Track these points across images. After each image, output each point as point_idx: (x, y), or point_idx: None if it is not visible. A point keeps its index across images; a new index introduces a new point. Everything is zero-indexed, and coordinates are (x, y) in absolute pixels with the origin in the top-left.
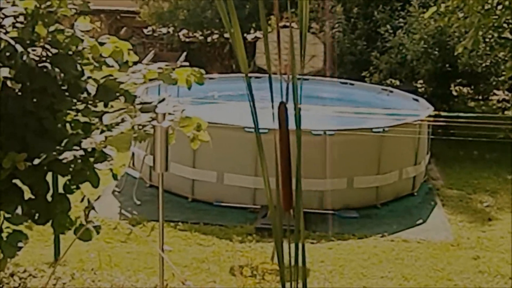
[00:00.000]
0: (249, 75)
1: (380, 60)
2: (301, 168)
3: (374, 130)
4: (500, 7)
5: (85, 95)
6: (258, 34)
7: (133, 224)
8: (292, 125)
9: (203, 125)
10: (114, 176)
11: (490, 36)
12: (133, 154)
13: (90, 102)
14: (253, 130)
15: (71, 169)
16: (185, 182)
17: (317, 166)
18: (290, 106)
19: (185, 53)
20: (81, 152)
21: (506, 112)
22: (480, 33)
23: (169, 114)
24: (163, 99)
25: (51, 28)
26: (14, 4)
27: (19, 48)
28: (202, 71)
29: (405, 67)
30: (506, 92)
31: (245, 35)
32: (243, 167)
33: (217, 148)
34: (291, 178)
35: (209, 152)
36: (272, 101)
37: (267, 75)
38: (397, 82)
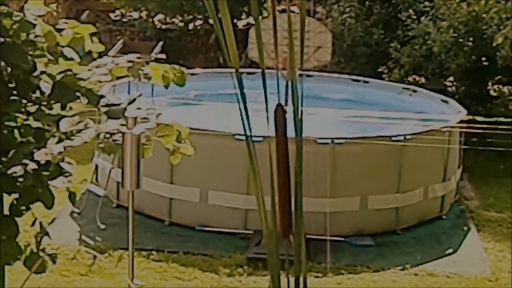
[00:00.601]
0: (240, 70)
1: (401, 53)
2: (302, 184)
3: (393, 138)
4: None
5: (37, 94)
6: (251, 20)
7: (96, 253)
8: (292, 132)
9: (184, 132)
10: (71, 196)
11: None
12: (96, 167)
13: (43, 103)
14: (244, 138)
15: (19, 186)
16: (161, 202)
17: (323, 182)
18: (289, 108)
19: (161, 43)
20: (33, 165)
21: None
22: None
23: (142, 118)
24: (134, 100)
25: None
26: None
27: None
28: (183, 69)
29: (431, 61)
30: None
31: (235, 21)
32: (232, 184)
33: (201, 160)
34: (291, 196)
35: (190, 165)
36: (267, 102)
37: (260, 70)
38: (422, 80)
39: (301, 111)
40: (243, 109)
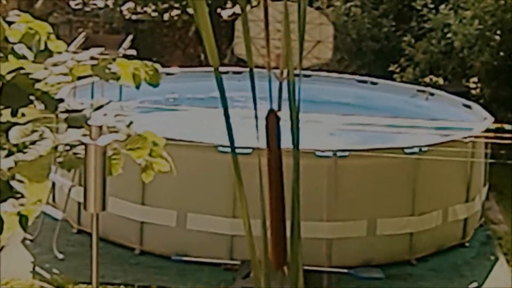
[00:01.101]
0: (225, 69)
1: (416, 49)
2: (299, 205)
3: (406, 150)
4: None
5: None
6: (238, 9)
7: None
8: (286, 143)
9: (159, 144)
10: (23, 220)
11: None
12: (53, 185)
13: None
14: (229, 150)
15: None
16: (130, 226)
17: (323, 202)
18: (284, 115)
19: (130, 37)
20: None
21: None
22: None
23: (109, 127)
24: (100, 106)
25: None
26: None
27: None
28: (157, 67)
29: (451, 59)
30: None
31: (219, 10)
32: (215, 205)
33: (179, 176)
34: (285, 220)
35: (166, 182)
36: (256, 108)
37: (248, 69)
38: (441, 81)
39: (298, 118)
40: (226, 116)
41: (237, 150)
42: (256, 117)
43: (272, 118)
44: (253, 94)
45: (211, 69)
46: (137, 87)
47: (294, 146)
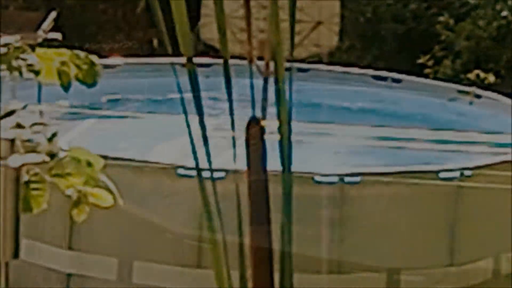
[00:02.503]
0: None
1: (456, 33)
2: (291, 250)
3: (442, 175)
4: None
5: None
6: None
7: None
8: (273, 164)
9: (96, 166)
10: None
11: None
12: None
13: None
14: (193, 173)
15: None
16: (53, 279)
17: (323, 246)
18: (269, 125)
19: (54, 14)
20: None
21: None
22: None
23: (24, 142)
24: (11, 111)
25: None
26: None
27: None
28: (93, 58)
29: (506, 47)
30: None
31: None
32: (172, 250)
33: (121, 210)
34: (273, 272)
35: (102, 218)
36: (233, 114)
37: (221, 60)
38: (491, 78)
39: (289, 128)
40: (202, 127)
41: (205, 174)
42: (232, 126)
43: (255, 129)
44: (228, 95)
45: (168, 59)
46: (65, 88)
47: (284, 168)
